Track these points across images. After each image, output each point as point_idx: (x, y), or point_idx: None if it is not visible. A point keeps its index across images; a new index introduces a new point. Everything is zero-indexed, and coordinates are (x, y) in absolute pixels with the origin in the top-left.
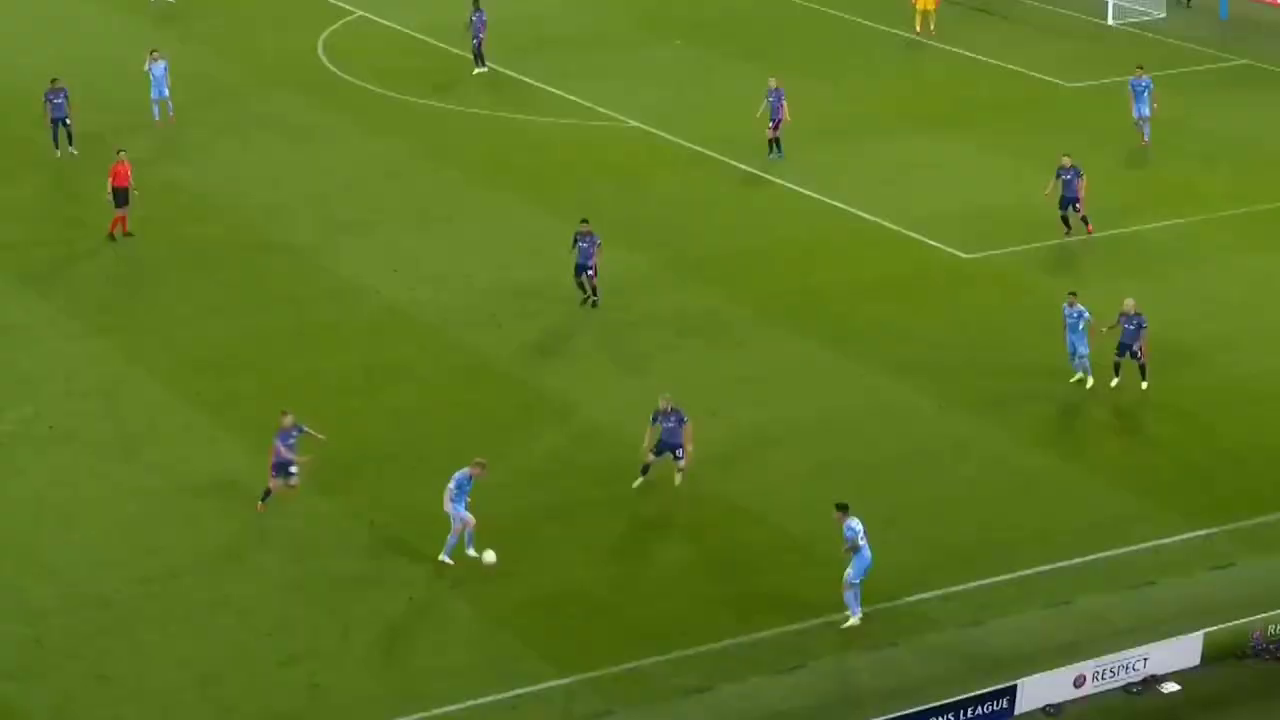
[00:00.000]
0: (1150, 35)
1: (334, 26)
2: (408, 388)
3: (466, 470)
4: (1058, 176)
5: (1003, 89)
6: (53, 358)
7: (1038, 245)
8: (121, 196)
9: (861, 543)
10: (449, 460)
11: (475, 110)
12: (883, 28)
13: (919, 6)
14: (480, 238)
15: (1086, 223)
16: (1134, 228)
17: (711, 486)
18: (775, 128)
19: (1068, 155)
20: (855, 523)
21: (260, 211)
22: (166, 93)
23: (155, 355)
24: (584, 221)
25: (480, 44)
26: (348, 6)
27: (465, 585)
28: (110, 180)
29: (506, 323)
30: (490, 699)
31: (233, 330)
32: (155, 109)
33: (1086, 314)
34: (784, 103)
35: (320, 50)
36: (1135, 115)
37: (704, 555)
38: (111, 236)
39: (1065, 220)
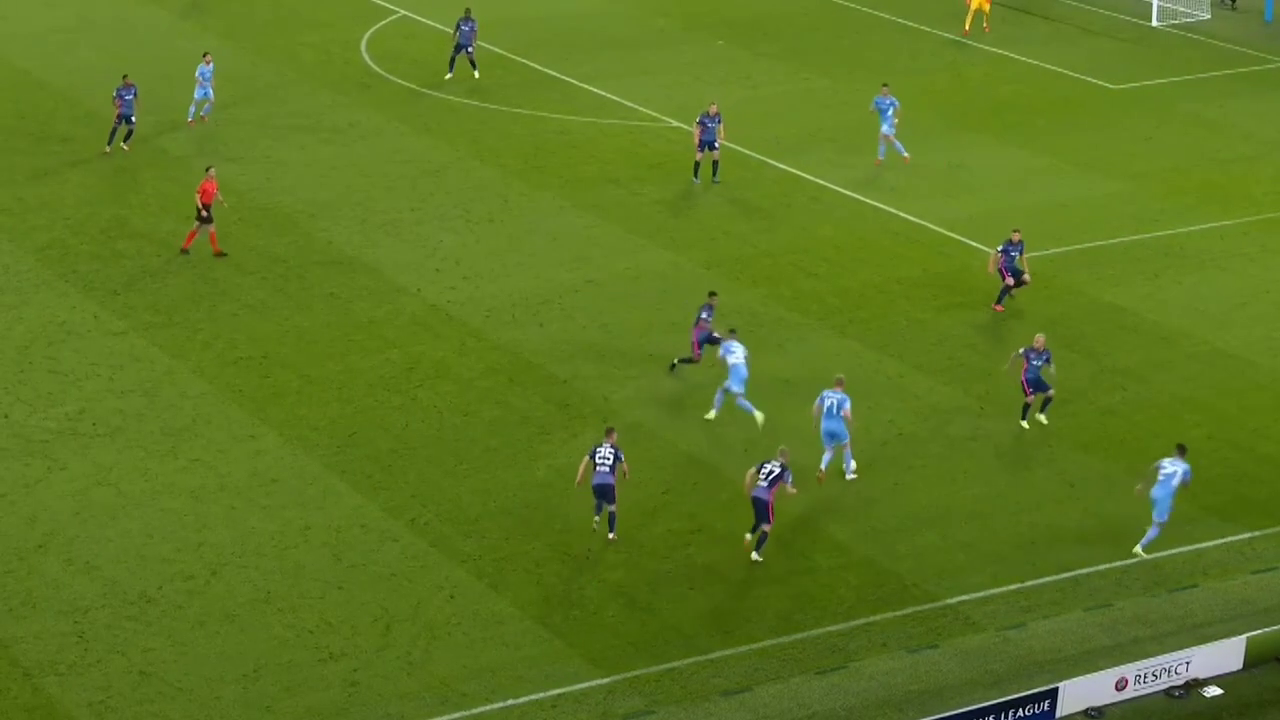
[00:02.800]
0: (1194, 37)
1: (377, 26)
2: (448, 386)
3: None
4: (1004, 251)
5: (1046, 90)
6: (96, 355)
7: (1079, 247)
8: (207, 214)
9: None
10: (488, 459)
11: (516, 110)
12: (924, 28)
13: (972, 5)
14: (521, 237)
15: (1011, 292)
16: (1177, 230)
17: None
18: (710, 150)
19: (1017, 230)
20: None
21: (301, 210)
22: (211, 94)
23: (197, 352)
24: (712, 295)
25: (470, 53)
26: (391, 6)
27: (505, 584)
28: (199, 197)
29: (547, 322)
30: (529, 698)
31: (273, 328)
32: (192, 109)
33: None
34: (720, 127)
35: (363, 49)
36: (882, 132)
37: (743, 556)
38: (185, 250)
39: (1006, 293)
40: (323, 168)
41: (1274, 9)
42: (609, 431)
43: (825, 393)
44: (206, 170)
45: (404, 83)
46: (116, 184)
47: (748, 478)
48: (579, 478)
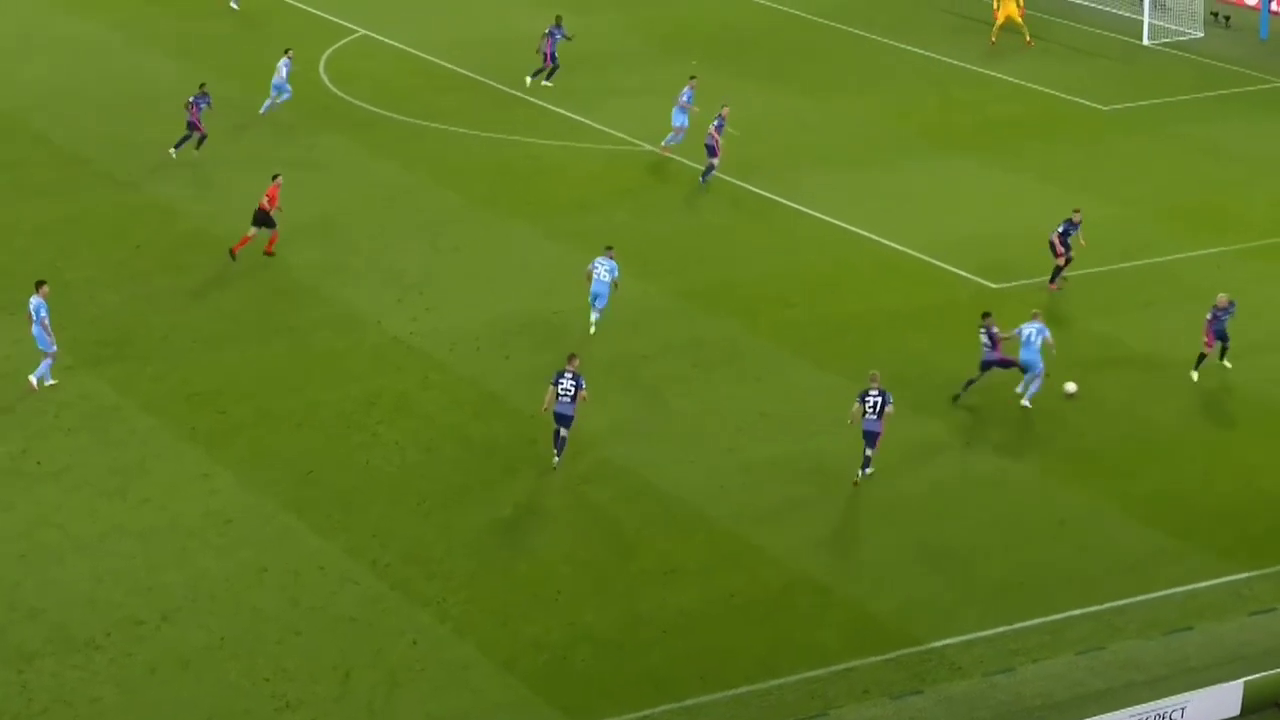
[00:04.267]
0: (1187, 55)
1: (336, 46)
2: (410, 421)
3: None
4: (1064, 232)
5: (1035, 111)
6: (41, 391)
7: (1068, 274)
8: (260, 217)
9: None
10: (452, 497)
11: (483, 133)
12: (909, 48)
13: (1000, 18)
14: (488, 266)
15: (1062, 274)
16: (1171, 256)
17: (727, 525)
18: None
19: (1078, 210)
20: None
21: (259, 237)
22: (284, 87)
23: (148, 388)
24: (986, 315)
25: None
26: (350, 25)
27: (471, 628)
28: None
29: (514, 354)
30: None
31: (229, 361)
32: (268, 102)
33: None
34: (725, 128)
35: (322, 70)
36: (675, 124)
37: (720, 597)
38: (268, 253)
39: (1059, 273)
40: (282, 193)
41: (1269, 26)
42: (571, 358)
43: (1025, 325)
44: (274, 178)
45: (365, 105)
46: (65, 211)
47: (854, 413)
48: (544, 405)
